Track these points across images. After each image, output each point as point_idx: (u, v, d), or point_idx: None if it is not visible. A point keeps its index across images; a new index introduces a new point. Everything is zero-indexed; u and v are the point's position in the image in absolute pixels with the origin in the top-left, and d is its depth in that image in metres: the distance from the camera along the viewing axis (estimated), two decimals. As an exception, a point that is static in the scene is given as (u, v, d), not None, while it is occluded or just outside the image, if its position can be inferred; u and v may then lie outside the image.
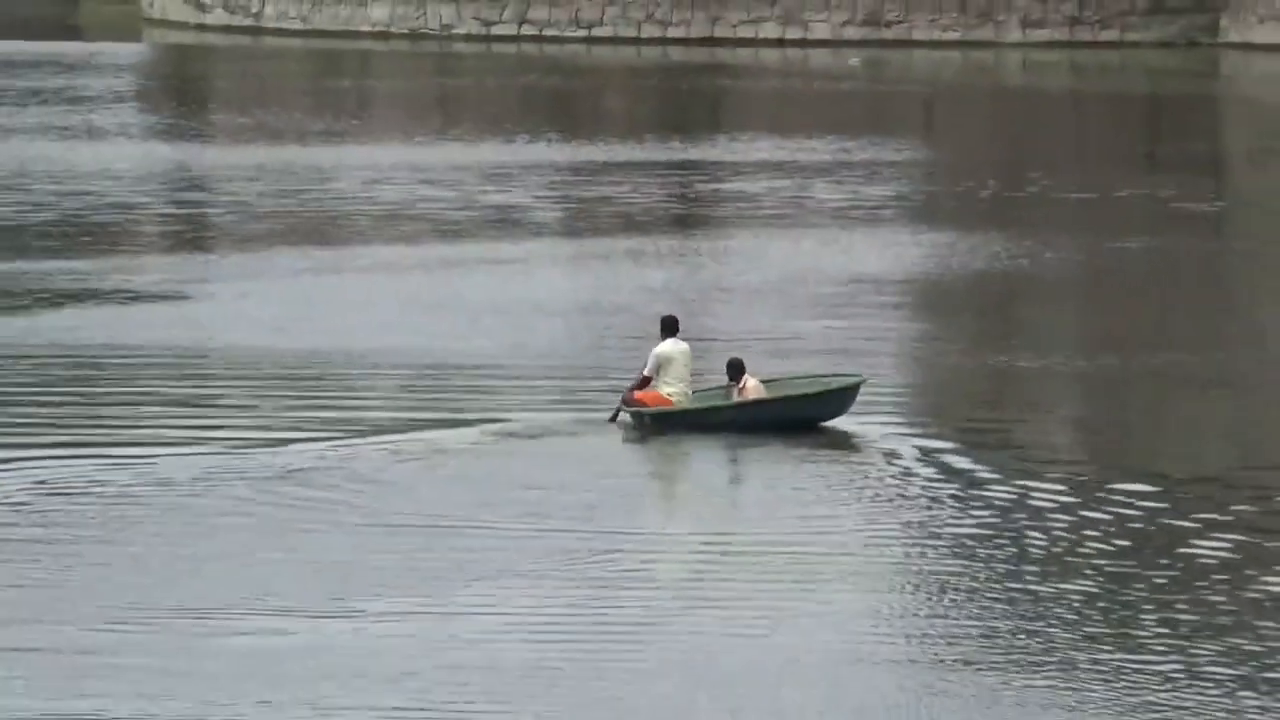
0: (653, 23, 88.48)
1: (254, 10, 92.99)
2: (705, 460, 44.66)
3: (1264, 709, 32.34)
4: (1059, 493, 41.73)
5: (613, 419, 45.72)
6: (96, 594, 35.51)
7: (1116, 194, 67.06)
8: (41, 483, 41.06)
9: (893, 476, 42.58)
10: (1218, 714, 31.29)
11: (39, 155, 68.80)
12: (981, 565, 38.38)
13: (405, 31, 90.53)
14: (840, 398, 45.10)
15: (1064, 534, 39.63)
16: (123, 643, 33.41)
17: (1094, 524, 40.52)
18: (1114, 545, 39.24)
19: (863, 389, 45.33)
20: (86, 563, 37.10)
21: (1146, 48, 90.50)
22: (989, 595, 37.02)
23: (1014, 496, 41.79)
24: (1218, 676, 33.15)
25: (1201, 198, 68.51)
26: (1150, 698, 31.60)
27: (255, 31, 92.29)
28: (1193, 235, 63.65)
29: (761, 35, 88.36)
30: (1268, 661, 34.14)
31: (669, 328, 45.16)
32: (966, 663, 32.99)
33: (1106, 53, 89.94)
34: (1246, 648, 34.83)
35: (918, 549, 39.71)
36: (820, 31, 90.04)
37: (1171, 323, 54.10)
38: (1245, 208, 69.68)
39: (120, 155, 72.52)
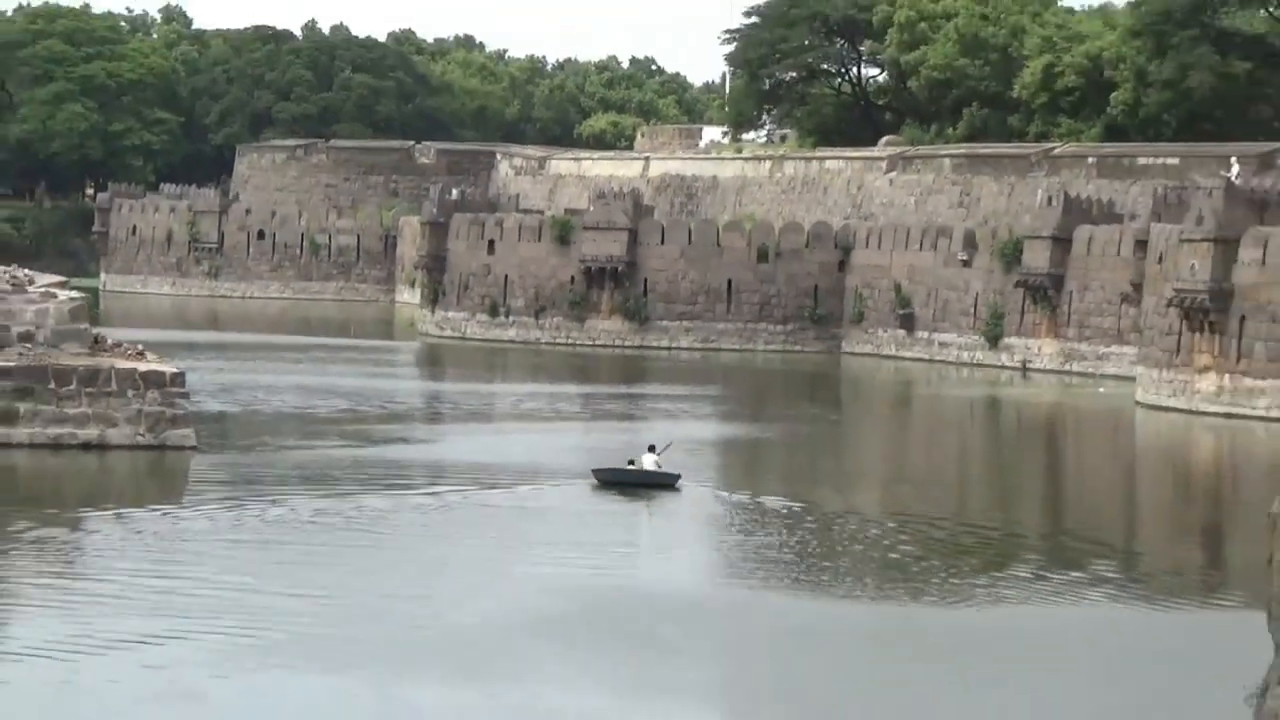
0: (619, 339, 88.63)
1: (463, 330, 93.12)
2: (623, 502, 42.56)
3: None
4: (762, 505, 41.99)
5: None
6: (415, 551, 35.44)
7: (798, 411, 68.10)
8: (365, 507, 39.75)
9: (701, 508, 42.23)
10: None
11: (368, 386, 68.88)
12: (760, 537, 38.53)
13: (521, 341, 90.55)
14: (675, 478, 43.40)
15: (788, 527, 39.23)
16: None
17: (797, 521, 40.57)
18: (805, 527, 39.45)
19: (683, 479, 43.65)
20: (406, 543, 36.33)
21: (810, 353, 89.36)
22: (761, 551, 37.34)
23: (759, 511, 41.31)
24: (881, 582, 34.31)
25: (831, 414, 69.61)
26: (828, 604, 32.18)
27: (463, 339, 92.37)
28: (828, 426, 64.92)
29: (660, 345, 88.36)
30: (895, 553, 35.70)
31: (650, 448, 44.53)
32: (763, 586, 33.42)
33: (790, 355, 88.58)
34: (888, 560, 36.47)
35: (729, 532, 39.70)
36: (686, 343, 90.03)
37: (818, 456, 55.08)
38: (849, 419, 70.84)
39: (402, 385, 72.81)
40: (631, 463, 44.89)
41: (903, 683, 26.90)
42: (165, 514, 38.19)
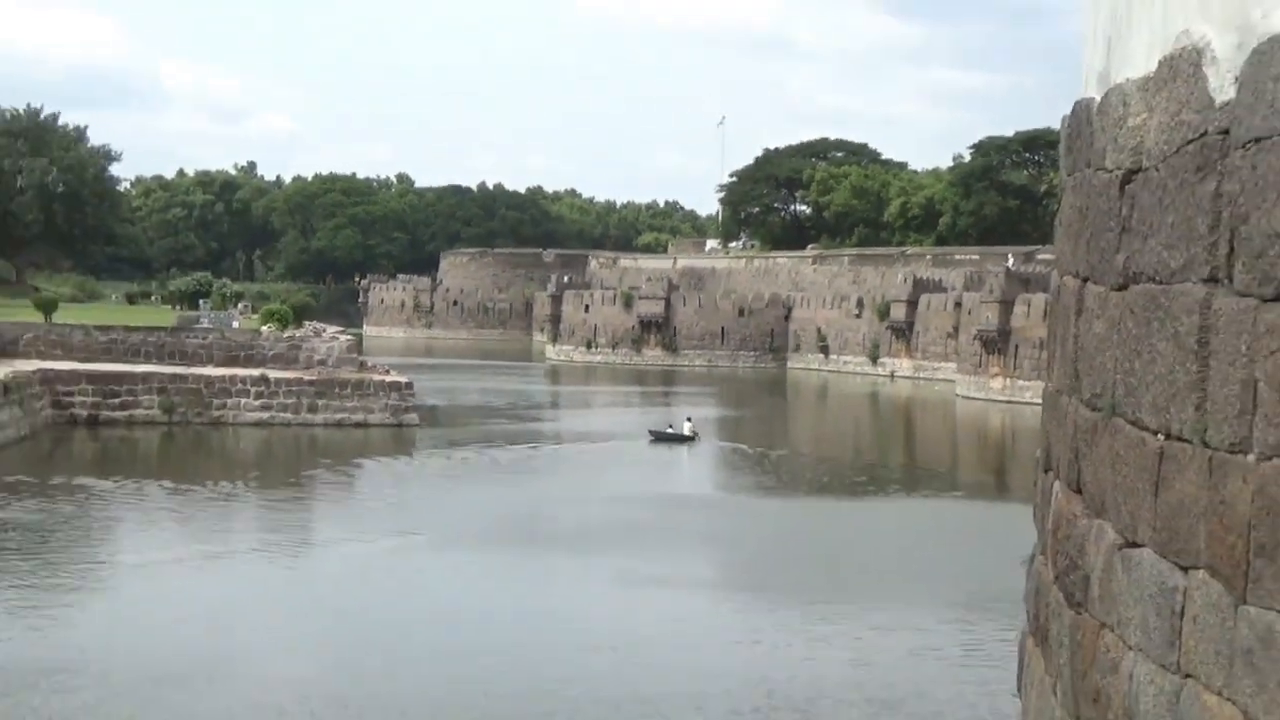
0: (660, 361, 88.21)
1: (571, 357, 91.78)
2: (666, 449, 40.99)
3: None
4: (746, 451, 39.92)
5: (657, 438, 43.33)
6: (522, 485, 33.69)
7: (763, 400, 67.72)
8: (517, 455, 38.28)
9: (712, 453, 41.15)
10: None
11: (518, 388, 67.96)
12: (747, 467, 36.83)
13: (604, 363, 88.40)
14: (694, 439, 43.00)
15: (762, 462, 37.66)
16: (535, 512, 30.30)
17: (767, 459, 38.41)
18: (772, 461, 37.50)
19: (700, 437, 43.46)
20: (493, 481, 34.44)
21: (769, 368, 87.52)
22: (748, 474, 35.91)
23: (745, 454, 40.08)
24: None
25: (782, 402, 68.85)
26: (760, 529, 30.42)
27: (571, 362, 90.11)
28: (781, 408, 64.11)
29: (684, 365, 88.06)
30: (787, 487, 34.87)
31: (687, 419, 44.32)
32: (751, 493, 32.46)
33: (758, 369, 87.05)
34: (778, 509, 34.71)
35: (729, 465, 38.25)
36: (699, 363, 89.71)
37: (775, 424, 53.74)
38: (792, 404, 70.09)
39: (536, 388, 71.66)
40: (670, 427, 44.73)
41: (832, 541, 27.02)
42: (402, 461, 37.79)
